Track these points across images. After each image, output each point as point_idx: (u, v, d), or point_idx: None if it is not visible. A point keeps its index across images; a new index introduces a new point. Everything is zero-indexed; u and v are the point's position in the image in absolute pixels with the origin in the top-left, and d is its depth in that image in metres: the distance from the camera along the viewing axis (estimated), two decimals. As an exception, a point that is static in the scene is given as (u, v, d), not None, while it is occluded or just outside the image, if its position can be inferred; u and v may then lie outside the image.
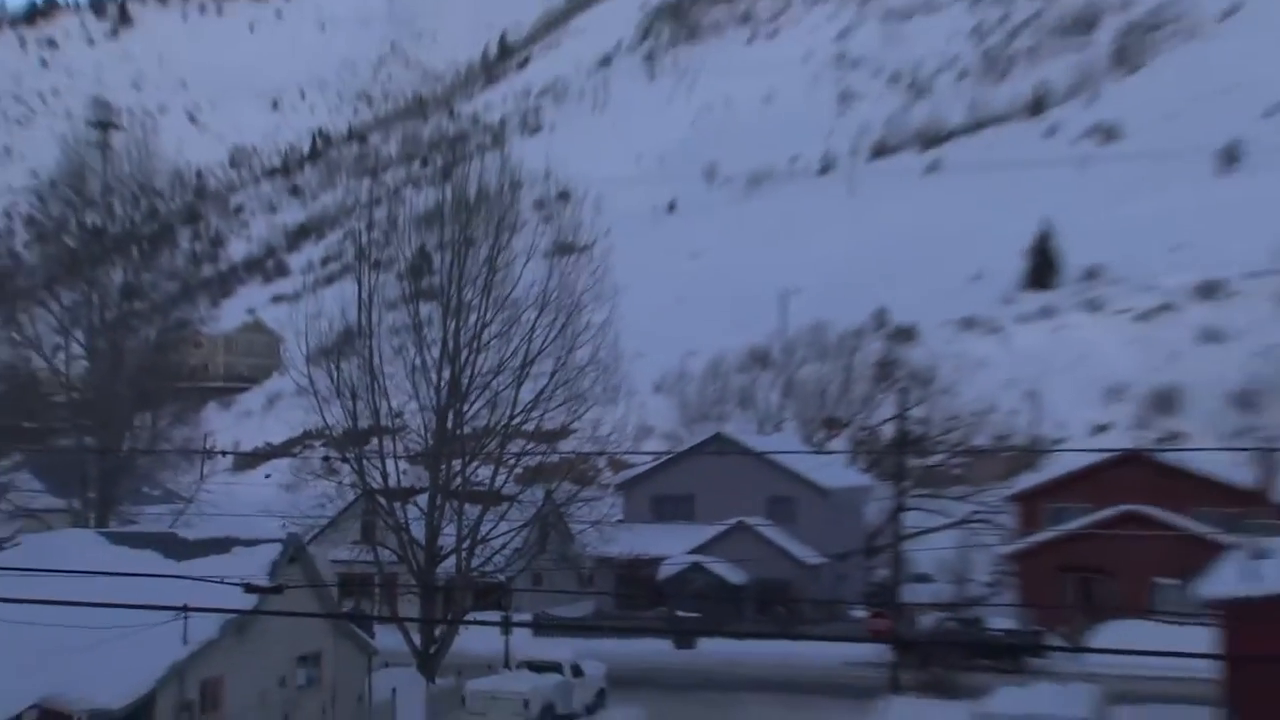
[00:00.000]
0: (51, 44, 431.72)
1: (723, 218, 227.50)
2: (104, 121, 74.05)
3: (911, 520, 66.40)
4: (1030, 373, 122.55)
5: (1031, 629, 61.60)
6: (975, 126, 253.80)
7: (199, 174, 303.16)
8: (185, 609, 30.95)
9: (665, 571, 69.33)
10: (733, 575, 68.84)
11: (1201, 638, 38.30)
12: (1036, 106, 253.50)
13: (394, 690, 45.44)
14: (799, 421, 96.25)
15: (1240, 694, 35.13)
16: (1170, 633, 52.85)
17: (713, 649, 62.19)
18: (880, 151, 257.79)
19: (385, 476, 52.62)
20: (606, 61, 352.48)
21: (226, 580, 28.82)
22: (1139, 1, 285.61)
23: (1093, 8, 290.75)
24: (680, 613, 66.22)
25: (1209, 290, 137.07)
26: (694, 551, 70.00)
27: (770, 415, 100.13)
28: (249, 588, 28.75)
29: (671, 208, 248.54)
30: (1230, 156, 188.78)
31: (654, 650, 61.18)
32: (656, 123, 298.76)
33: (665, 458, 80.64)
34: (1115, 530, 65.40)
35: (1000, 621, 62.67)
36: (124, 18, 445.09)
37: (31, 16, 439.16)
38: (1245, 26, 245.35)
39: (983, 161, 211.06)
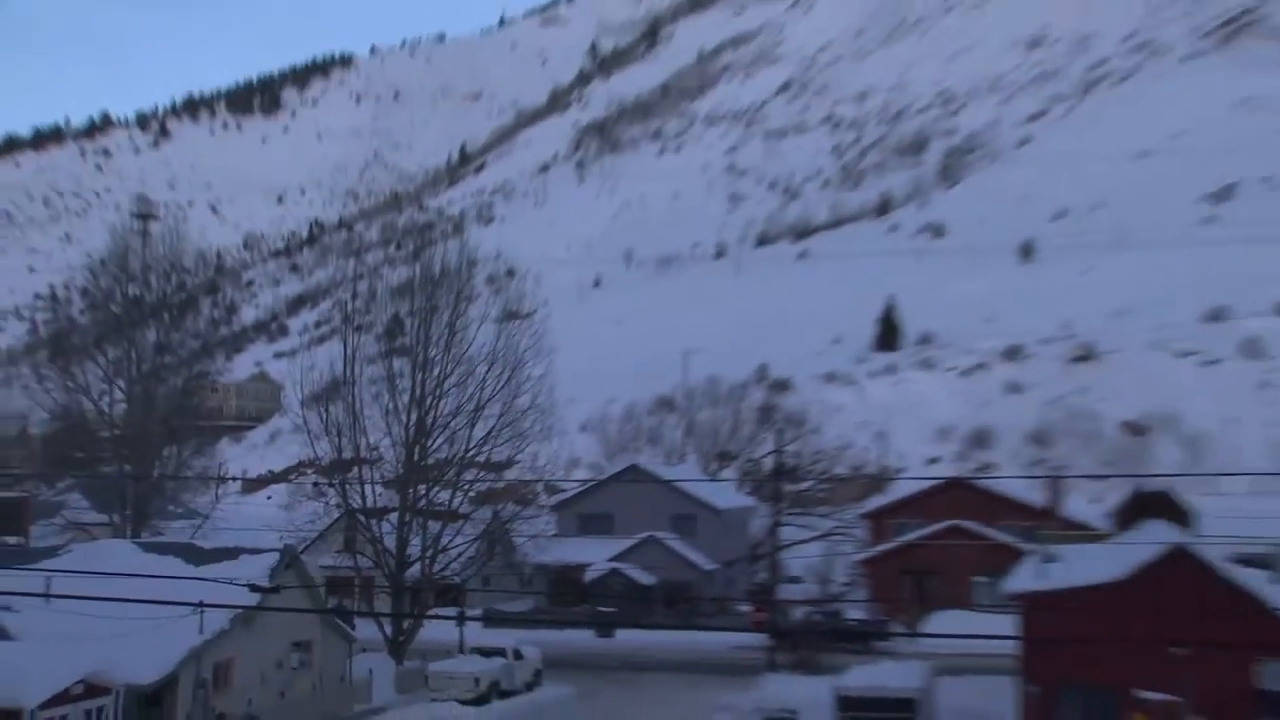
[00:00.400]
0: (105, 153, 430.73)
1: (638, 292, 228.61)
2: (144, 214, 73.30)
3: (786, 533, 66.56)
4: (878, 417, 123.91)
5: (878, 619, 61.38)
6: (835, 223, 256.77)
7: (218, 255, 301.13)
8: (201, 605, 30.89)
9: (590, 575, 69.06)
10: (644, 578, 68.55)
11: (1007, 624, 38.64)
12: (882, 209, 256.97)
13: (370, 671, 45.14)
14: (698, 455, 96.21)
15: (1034, 666, 35.58)
16: (984, 620, 53.24)
17: (628, 638, 61.77)
18: (762, 241, 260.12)
19: (364, 498, 52.38)
20: (546, 168, 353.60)
21: (235, 582, 28.76)
22: (958, 131, 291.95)
23: (923, 134, 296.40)
24: (601, 608, 65.88)
25: (1012, 353, 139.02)
26: (613, 559, 69.68)
27: (675, 450, 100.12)
28: (253, 588, 28.63)
29: (597, 284, 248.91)
30: (1027, 251, 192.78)
31: (580, 639, 60.74)
32: (585, 216, 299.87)
33: (590, 484, 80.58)
34: (942, 540, 65.93)
35: (854, 613, 62.67)
36: (163, 132, 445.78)
37: (90, 131, 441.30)
38: (1036, 153, 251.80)
39: (841, 251, 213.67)
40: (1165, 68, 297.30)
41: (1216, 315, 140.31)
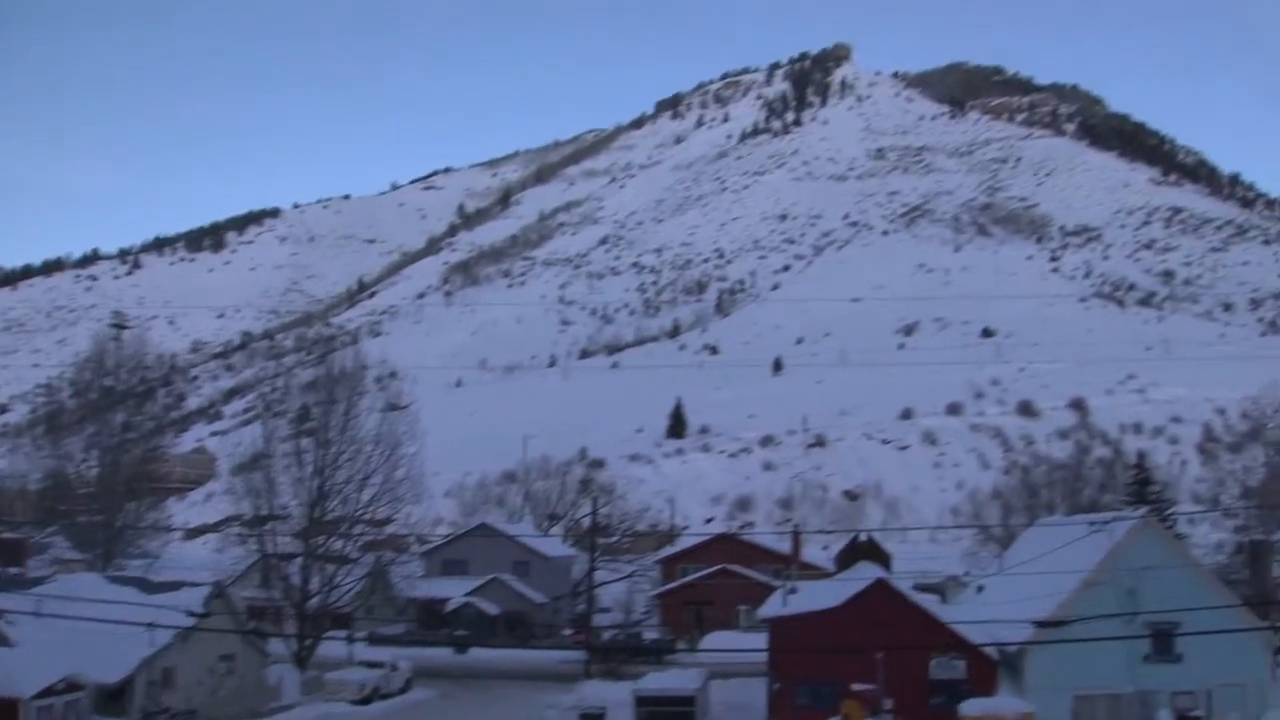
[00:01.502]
0: (93, 278, 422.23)
1: (489, 391, 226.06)
2: (119, 324, 70.57)
3: (599, 575, 66.48)
4: (669, 487, 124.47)
5: (668, 638, 61.51)
6: (639, 342, 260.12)
7: (172, 357, 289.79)
8: (152, 624, 29.91)
9: (449, 606, 67.76)
10: (491, 609, 67.60)
11: (761, 639, 39.48)
12: (674, 332, 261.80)
13: (280, 677, 43.55)
14: (533, 515, 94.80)
15: (779, 668, 36.41)
16: (745, 637, 54.19)
17: (478, 655, 60.64)
18: (584, 355, 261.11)
19: (276, 546, 50.70)
20: (422, 295, 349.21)
21: (177, 607, 28.03)
22: (729, 278, 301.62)
23: (704, 279, 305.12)
24: (458, 632, 64.73)
25: (766, 441, 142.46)
26: (468, 594, 68.32)
27: (515, 511, 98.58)
28: (191, 613, 27.90)
29: (458, 384, 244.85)
30: (777, 366, 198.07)
31: (442, 655, 59.37)
32: (451, 332, 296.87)
33: (450, 536, 79.21)
34: (715, 579, 66.73)
35: (650, 634, 62.60)
36: (137, 264, 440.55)
37: (83, 262, 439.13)
38: (784, 295, 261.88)
39: (643, 363, 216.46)
40: (870, 239, 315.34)
41: (906, 415, 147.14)
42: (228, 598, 40.16)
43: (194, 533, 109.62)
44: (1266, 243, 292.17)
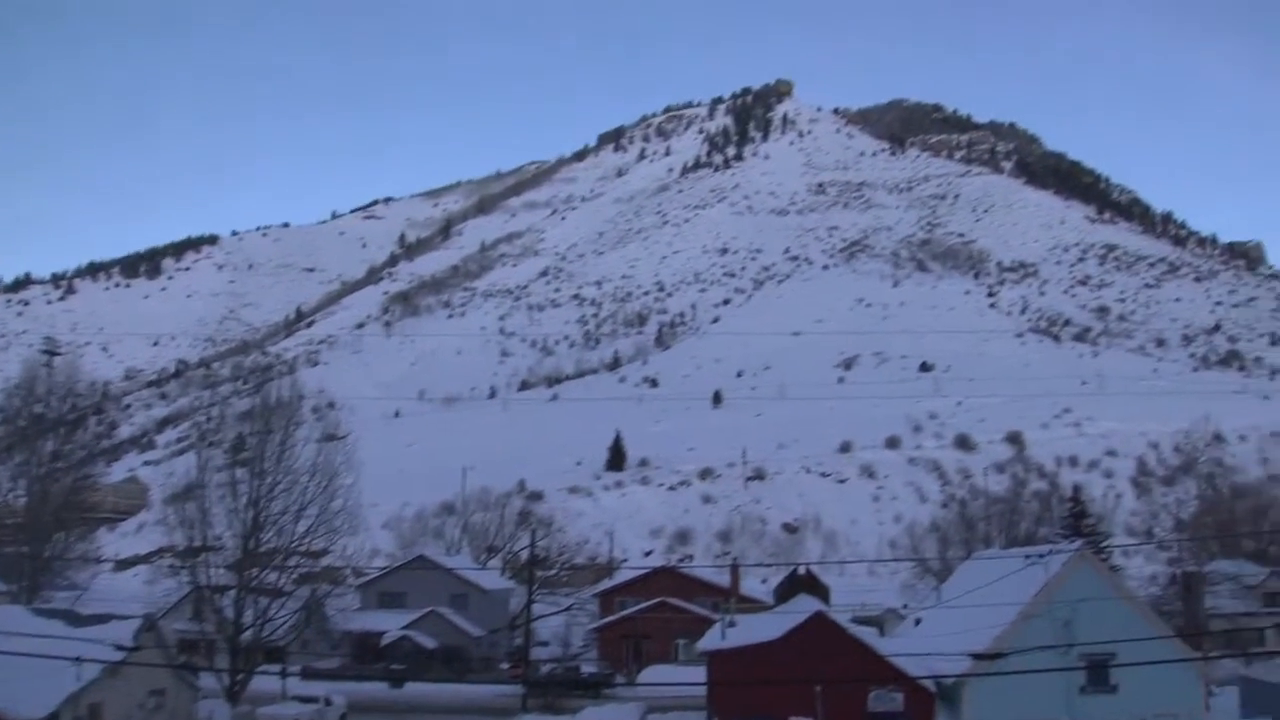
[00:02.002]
0: (25, 303, 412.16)
1: (428, 422, 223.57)
2: (51, 351, 69.24)
3: (537, 608, 66.11)
4: (608, 520, 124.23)
5: (606, 672, 61.47)
6: (579, 374, 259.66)
7: (105, 384, 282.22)
8: (79, 659, 29.13)
9: (385, 640, 66.91)
10: (428, 642, 66.90)
11: (700, 673, 39.68)
12: (614, 364, 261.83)
13: (211, 713, 42.64)
14: (471, 547, 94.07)
15: (718, 702, 36.59)
16: (683, 671, 54.33)
17: (414, 689, 59.97)
18: (523, 386, 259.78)
19: (209, 578, 49.80)
20: (361, 325, 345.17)
21: (105, 641, 27.38)
22: (669, 310, 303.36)
23: (644, 311, 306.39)
24: (394, 665, 63.88)
25: (705, 473, 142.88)
26: (404, 628, 67.60)
27: (453, 543, 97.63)
28: (119, 647, 27.28)
29: (397, 414, 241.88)
30: (717, 399, 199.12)
31: (377, 690, 58.59)
32: (390, 363, 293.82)
33: (387, 569, 78.31)
34: (654, 613, 66.68)
35: (588, 668, 62.51)
36: (70, 289, 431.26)
37: (15, 286, 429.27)
38: (724, 328, 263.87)
39: (583, 395, 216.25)
40: (810, 274, 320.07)
41: (845, 448, 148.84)
42: (158, 631, 39.25)
43: (124, 564, 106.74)
44: (1198, 280, 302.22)
